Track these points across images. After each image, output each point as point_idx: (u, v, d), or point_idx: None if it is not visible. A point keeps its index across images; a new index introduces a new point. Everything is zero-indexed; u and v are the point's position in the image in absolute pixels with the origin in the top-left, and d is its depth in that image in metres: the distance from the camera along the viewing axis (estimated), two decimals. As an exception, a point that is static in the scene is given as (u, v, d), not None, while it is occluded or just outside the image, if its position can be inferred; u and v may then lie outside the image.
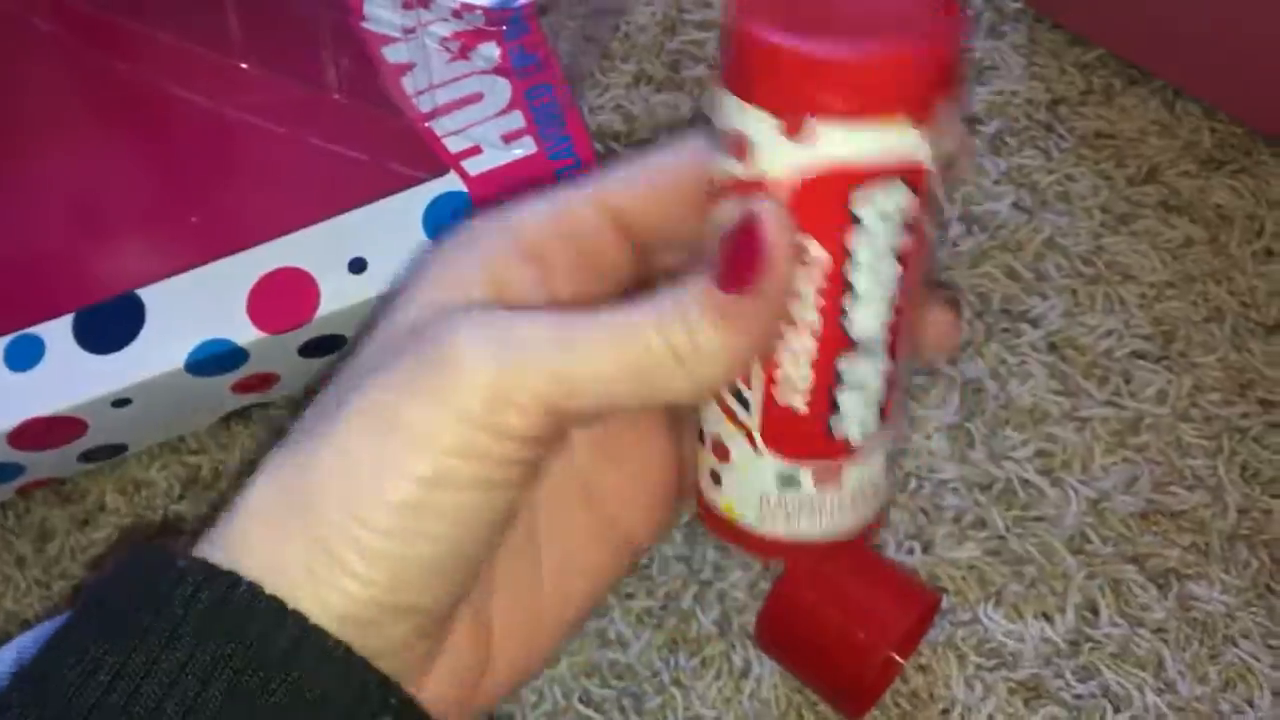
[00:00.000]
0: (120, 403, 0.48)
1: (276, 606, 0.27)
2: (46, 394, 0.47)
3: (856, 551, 0.49)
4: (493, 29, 0.50)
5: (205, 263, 0.48)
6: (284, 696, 0.26)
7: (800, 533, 0.32)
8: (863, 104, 0.28)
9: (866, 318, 0.30)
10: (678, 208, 0.31)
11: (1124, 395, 0.53)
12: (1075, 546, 0.51)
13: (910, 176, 0.29)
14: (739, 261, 0.27)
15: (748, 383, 0.30)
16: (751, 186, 0.29)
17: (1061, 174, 0.57)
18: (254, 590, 0.27)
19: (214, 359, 0.47)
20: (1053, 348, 0.54)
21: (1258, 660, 0.49)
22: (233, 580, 0.27)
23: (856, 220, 0.29)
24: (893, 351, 0.31)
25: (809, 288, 0.29)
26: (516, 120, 0.50)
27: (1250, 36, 0.53)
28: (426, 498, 0.27)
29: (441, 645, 0.29)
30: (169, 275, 0.48)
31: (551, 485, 0.32)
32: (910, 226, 0.29)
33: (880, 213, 0.29)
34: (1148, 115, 0.58)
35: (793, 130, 0.28)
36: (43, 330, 0.47)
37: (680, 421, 0.34)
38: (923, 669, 0.50)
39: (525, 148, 0.50)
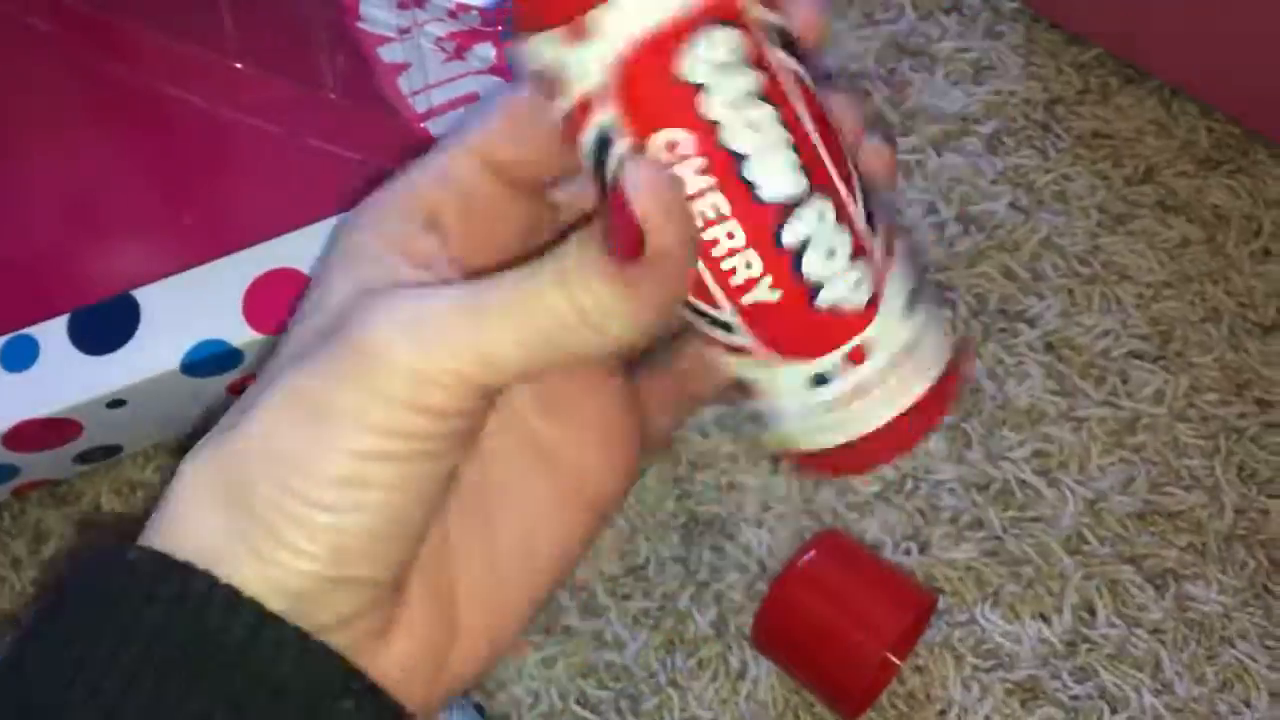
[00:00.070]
0: (115, 404, 0.47)
1: (230, 594, 0.27)
2: (41, 395, 0.46)
3: (853, 553, 0.49)
4: (488, 29, 0.50)
5: (201, 263, 0.48)
6: (243, 685, 0.27)
7: (875, 420, 0.29)
8: None
9: (773, 174, 0.28)
10: (546, 141, 0.31)
11: (1121, 395, 0.53)
12: (1072, 547, 0.51)
13: (721, 13, 0.27)
14: (620, 236, 0.27)
15: (712, 303, 0.29)
16: (585, 110, 0.28)
17: (1058, 174, 0.57)
18: (208, 579, 0.27)
19: (209, 360, 0.47)
20: (1049, 348, 0.54)
21: (1255, 661, 0.49)
22: (185, 569, 0.27)
23: (697, 86, 0.27)
24: (826, 190, 0.28)
25: (699, 177, 0.27)
26: (512, 120, 0.50)
27: (1248, 36, 0.53)
28: (362, 470, 0.27)
29: (396, 615, 0.29)
30: (164, 276, 0.48)
31: (501, 448, 0.32)
32: (758, 64, 0.27)
33: (713, 66, 0.27)
34: (1145, 115, 0.58)
35: (576, 34, 0.27)
36: (38, 331, 0.47)
37: (634, 366, 0.33)
38: (919, 670, 0.50)
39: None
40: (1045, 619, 0.50)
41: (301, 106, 0.52)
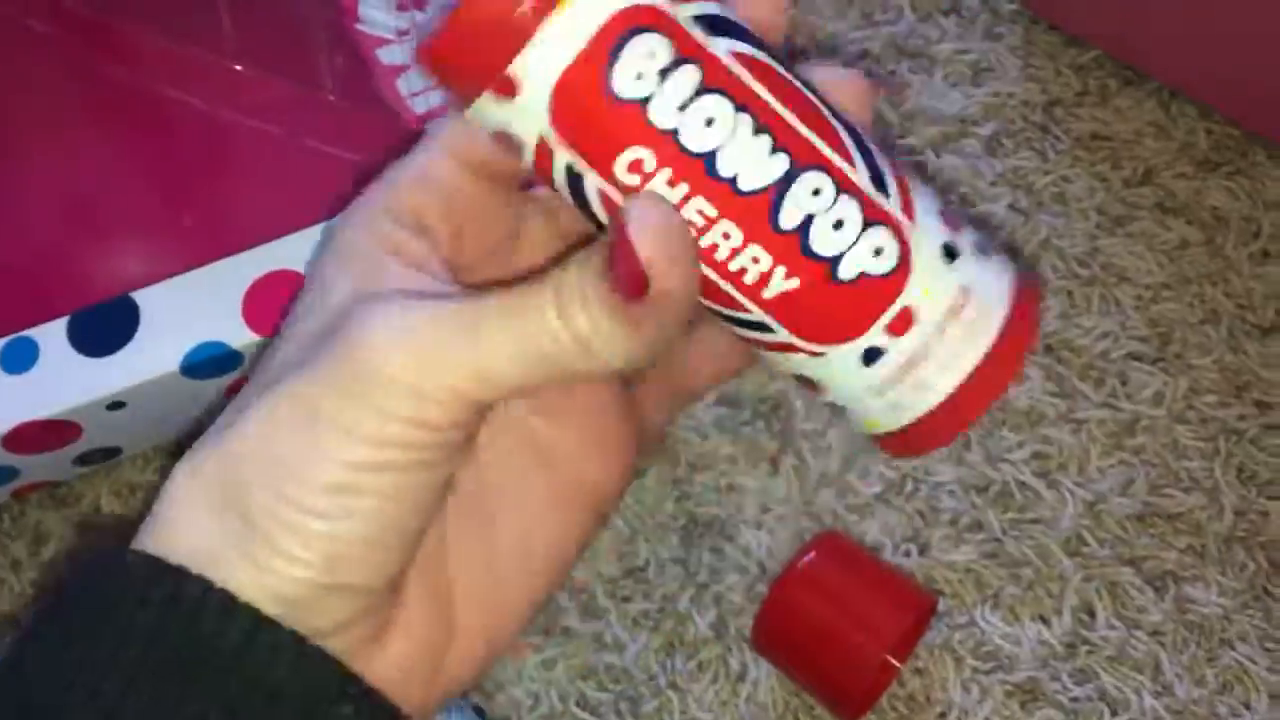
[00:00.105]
0: (115, 406, 0.47)
1: (225, 599, 0.27)
2: (41, 397, 0.46)
3: (853, 554, 0.49)
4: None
5: (200, 265, 0.48)
6: (240, 690, 0.27)
7: (943, 385, 0.28)
8: (506, 31, 0.26)
9: (747, 162, 0.27)
10: None
11: (1120, 397, 0.53)
12: (1072, 549, 0.51)
13: (637, 21, 0.26)
14: (624, 275, 0.26)
15: (738, 307, 0.28)
16: (545, 156, 0.27)
17: (1057, 175, 0.57)
18: (202, 583, 0.27)
19: (209, 362, 0.47)
20: (1049, 349, 0.54)
21: (1254, 663, 0.49)
22: (179, 573, 0.27)
23: (639, 100, 0.26)
24: (815, 162, 0.27)
25: (674, 189, 0.27)
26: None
27: (1247, 38, 0.53)
28: (356, 479, 0.27)
29: (393, 616, 0.29)
30: (164, 278, 0.48)
31: (499, 448, 0.32)
32: (694, 56, 0.26)
33: (647, 75, 0.26)
34: (1144, 117, 0.58)
35: (505, 90, 0.26)
36: (37, 333, 0.47)
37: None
38: (919, 672, 0.50)
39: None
40: (1045, 621, 0.50)
41: (301, 108, 0.52)
